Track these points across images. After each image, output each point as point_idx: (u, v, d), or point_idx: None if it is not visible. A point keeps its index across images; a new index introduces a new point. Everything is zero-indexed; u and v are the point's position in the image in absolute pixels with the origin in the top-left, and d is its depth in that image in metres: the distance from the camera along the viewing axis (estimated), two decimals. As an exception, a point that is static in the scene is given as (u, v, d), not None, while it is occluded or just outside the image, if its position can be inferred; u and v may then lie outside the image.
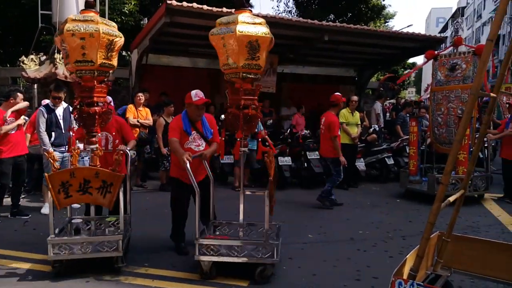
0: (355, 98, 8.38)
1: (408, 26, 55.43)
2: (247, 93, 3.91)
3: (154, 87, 10.15)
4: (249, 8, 3.88)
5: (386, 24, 24.97)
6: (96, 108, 3.94)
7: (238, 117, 3.96)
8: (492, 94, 2.59)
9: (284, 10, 23.03)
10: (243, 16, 3.72)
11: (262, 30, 3.68)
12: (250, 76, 3.82)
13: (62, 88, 6.16)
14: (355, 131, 8.15)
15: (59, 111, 6.10)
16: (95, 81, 3.87)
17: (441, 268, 3.10)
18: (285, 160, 8.12)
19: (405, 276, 2.51)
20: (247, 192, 4.32)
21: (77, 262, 4.00)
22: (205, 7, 7.78)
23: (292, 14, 20.74)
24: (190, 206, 4.47)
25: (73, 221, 4.42)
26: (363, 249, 4.87)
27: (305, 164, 8.25)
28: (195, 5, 7.72)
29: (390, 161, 9.03)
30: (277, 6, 28.13)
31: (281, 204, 6.08)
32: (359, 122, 8.43)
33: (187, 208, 4.61)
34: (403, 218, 6.26)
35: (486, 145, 8.28)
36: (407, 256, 2.74)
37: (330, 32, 9.34)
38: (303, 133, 8.80)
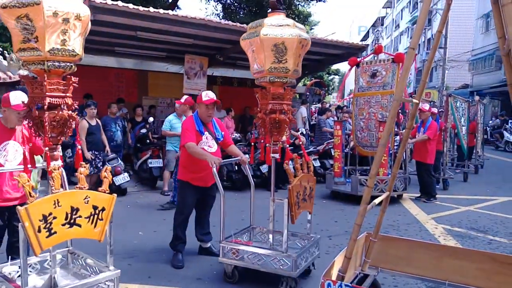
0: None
1: (332, 33, 57.72)
2: (275, 98, 3.80)
3: (77, 88, 9.60)
4: (283, 10, 3.74)
5: (311, 31, 25.78)
6: (69, 112, 2.91)
7: (264, 122, 3.89)
8: (414, 100, 2.72)
9: (213, 13, 22.97)
10: (271, 19, 3.61)
11: (289, 32, 3.52)
12: (278, 80, 3.70)
13: None
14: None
15: None
16: (71, 77, 2.89)
17: (369, 267, 3.21)
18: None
19: (334, 277, 2.56)
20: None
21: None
22: (131, 5, 7.51)
23: (221, 18, 20.74)
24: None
25: (4, 270, 3.17)
26: (292, 250, 4.94)
27: (236, 167, 8.26)
28: (120, 3, 7.43)
29: (317, 164, 9.30)
30: (206, 8, 27.97)
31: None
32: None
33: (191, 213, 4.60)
34: (329, 218, 6.46)
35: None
36: (335, 258, 2.80)
37: (259, 37, 9.43)
38: (233, 136, 8.81)
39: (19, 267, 3.09)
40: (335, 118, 10.95)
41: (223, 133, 4.63)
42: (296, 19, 20.99)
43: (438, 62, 27.63)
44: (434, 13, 30.95)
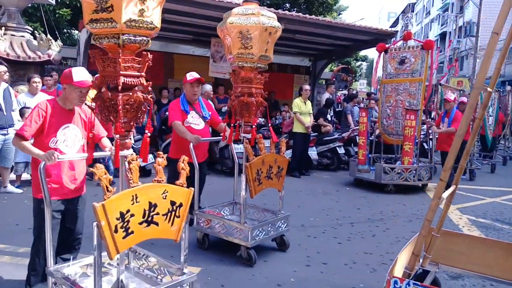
0: (307, 87, 8.49)
1: (360, 19, 56.70)
2: (244, 81, 4.00)
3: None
4: (255, 0, 3.91)
5: (339, 16, 25.34)
6: (144, 94, 2.52)
7: (234, 104, 4.08)
8: (488, 89, 2.62)
9: (241, -4, 22.83)
10: (239, 8, 3.82)
11: (254, 20, 3.71)
12: (246, 64, 3.90)
13: (3, 64, 5.76)
14: (308, 120, 8.26)
15: None
16: (147, 53, 2.47)
17: (429, 263, 3.09)
18: (239, 148, 8.11)
19: (398, 274, 2.48)
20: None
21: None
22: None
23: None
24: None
25: (65, 271, 2.81)
26: (313, 235, 4.97)
27: (260, 151, 8.28)
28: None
29: (341, 150, 9.25)
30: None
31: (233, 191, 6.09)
32: (311, 111, 8.55)
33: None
34: (352, 205, 6.45)
35: (431, 137, 8.64)
36: (399, 254, 2.71)
37: (287, 21, 9.35)
38: (258, 121, 8.81)
39: (82, 267, 2.94)
40: (361, 105, 10.79)
41: (210, 113, 4.91)
42: (324, 5, 20.70)
43: (469, 50, 26.85)
44: (466, 0, 30.03)
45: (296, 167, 8.25)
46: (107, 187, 2.26)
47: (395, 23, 62.40)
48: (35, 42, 9.13)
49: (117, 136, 2.49)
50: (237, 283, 3.65)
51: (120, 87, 2.35)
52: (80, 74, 3.00)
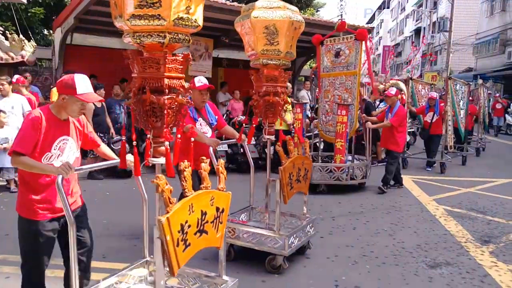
0: (288, 85, 8.54)
1: (337, 16, 57.28)
2: (269, 80, 3.79)
3: (80, 69, 9.46)
4: None
5: (317, 13, 25.52)
6: (179, 97, 2.32)
7: (258, 104, 3.86)
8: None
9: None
10: (263, 1, 3.57)
11: (280, 14, 3.47)
12: (271, 62, 3.67)
13: None
14: (289, 117, 8.35)
15: None
16: (189, 54, 2.35)
17: None
18: (221, 146, 8.14)
19: None
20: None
21: None
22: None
23: (226, -1, 20.57)
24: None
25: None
26: (295, 230, 5.04)
27: (241, 149, 8.32)
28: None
29: (322, 146, 9.34)
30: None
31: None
32: (291, 109, 8.63)
33: None
34: (333, 200, 6.55)
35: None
36: None
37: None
38: (239, 118, 8.88)
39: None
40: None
41: (216, 117, 4.62)
42: (302, 1, 20.81)
43: (443, 45, 27.38)
44: (440, -5, 30.56)
45: (279, 163, 8.30)
46: (169, 198, 2.07)
47: (371, 19, 63.23)
48: (7, 43, 8.90)
49: (167, 142, 2.30)
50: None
51: (166, 90, 2.18)
52: (85, 85, 2.63)
